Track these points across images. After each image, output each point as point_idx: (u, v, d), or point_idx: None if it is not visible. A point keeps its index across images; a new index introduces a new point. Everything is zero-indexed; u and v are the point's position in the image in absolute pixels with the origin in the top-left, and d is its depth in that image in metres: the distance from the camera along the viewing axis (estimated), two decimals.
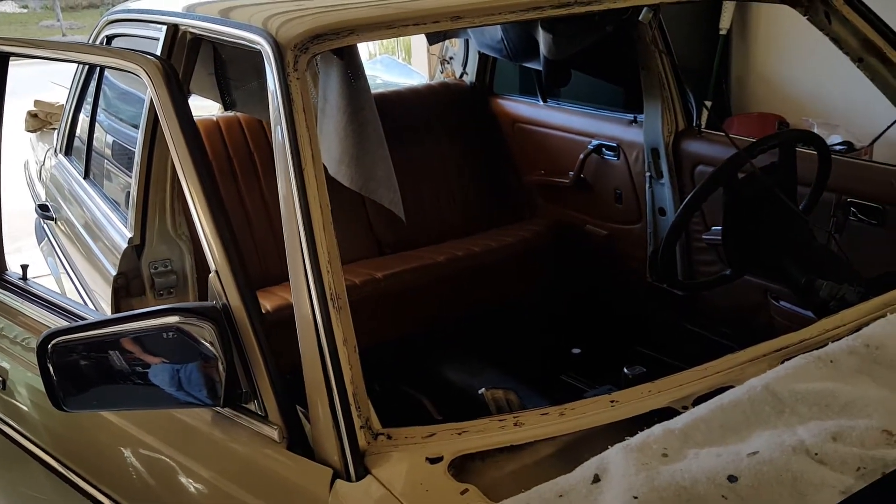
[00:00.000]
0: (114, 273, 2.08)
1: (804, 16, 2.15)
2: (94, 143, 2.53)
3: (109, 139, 2.45)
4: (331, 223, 1.26)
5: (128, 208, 2.11)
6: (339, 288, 1.21)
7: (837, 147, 3.61)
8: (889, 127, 2.21)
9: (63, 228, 2.66)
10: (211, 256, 1.29)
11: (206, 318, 1.19)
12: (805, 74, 4.36)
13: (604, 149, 3.10)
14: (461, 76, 3.72)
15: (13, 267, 1.89)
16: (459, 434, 1.11)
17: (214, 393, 1.17)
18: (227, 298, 1.24)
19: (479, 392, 1.49)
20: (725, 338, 2.77)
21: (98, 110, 2.53)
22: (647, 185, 2.93)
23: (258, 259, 2.87)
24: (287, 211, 1.26)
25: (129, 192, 2.15)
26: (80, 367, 1.16)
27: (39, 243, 3.21)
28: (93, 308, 2.19)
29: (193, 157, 1.36)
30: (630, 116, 3.02)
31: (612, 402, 1.14)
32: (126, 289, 2.07)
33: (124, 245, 2.07)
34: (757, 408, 1.03)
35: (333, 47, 1.43)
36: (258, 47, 1.45)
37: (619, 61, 2.88)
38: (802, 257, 1.97)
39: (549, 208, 3.43)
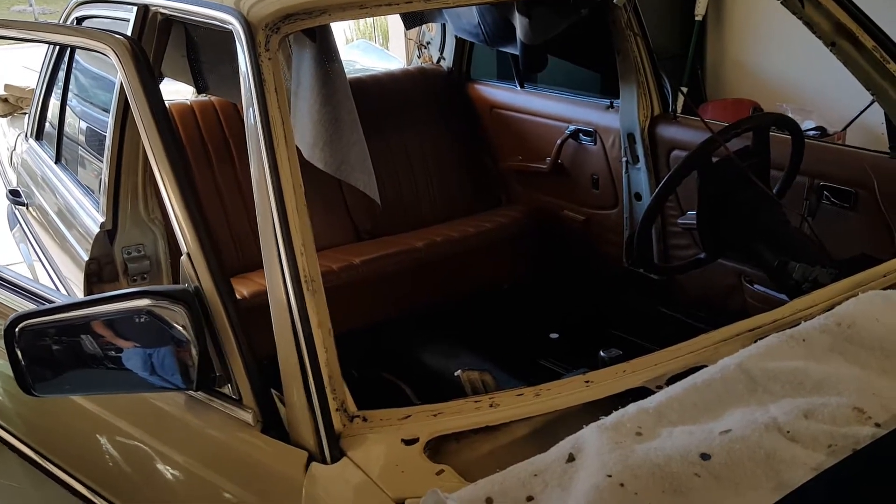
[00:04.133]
0: (86, 258, 2.05)
1: None
2: (66, 127, 2.49)
3: (81, 123, 2.41)
4: (304, 205, 1.25)
5: (100, 193, 2.08)
6: (314, 271, 1.20)
7: (811, 132, 3.65)
8: (862, 112, 2.24)
9: (35, 214, 2.62)
10: (182, 239, 1.28)
11: (178, 301, 1.17)
12: (779, 61, 4.39)
13: (580, 134, 3.10)
14: (438, 61, 3.70)
15: None
16: (435, 416, 1.11)
17: (188, 377, 1.16)
18: (199, 281, 1.22)
19: (455, 374, 1.49)
20: (701, 321, 2.79)
21: (69, 94, 2.49)
22: (624, 171, 2.94)
23: (234, 245, 2.84)
24: (260, 193, 1.24)
25: (100, 177, 2.12)
26: (50, 351, 1.14)
27: (11, 229, 3.16)
28: (65, 294, 2.16)
29: (164, 139, 1.34)
30: (606, 101, 3.02)
31: (586, 381, 1.15)
32: (98, 274, 2.04)
33: (97, 230, 2.04)
34: (730, 386, 1.03)
35: (305, 27, 1.41)
36: (229, 27, 1.43)
37: (595, 46, 2.88)
38: (775, 240, 1.98)
39: (527, 194, 3.43)
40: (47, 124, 2.76)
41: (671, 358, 1.20)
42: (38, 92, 2.82)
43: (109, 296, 1.19)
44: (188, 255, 1.24)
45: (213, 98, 2.79)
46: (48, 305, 1.20)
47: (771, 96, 4.44)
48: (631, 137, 2.88)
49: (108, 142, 1.99)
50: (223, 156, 2.86)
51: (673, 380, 1.13)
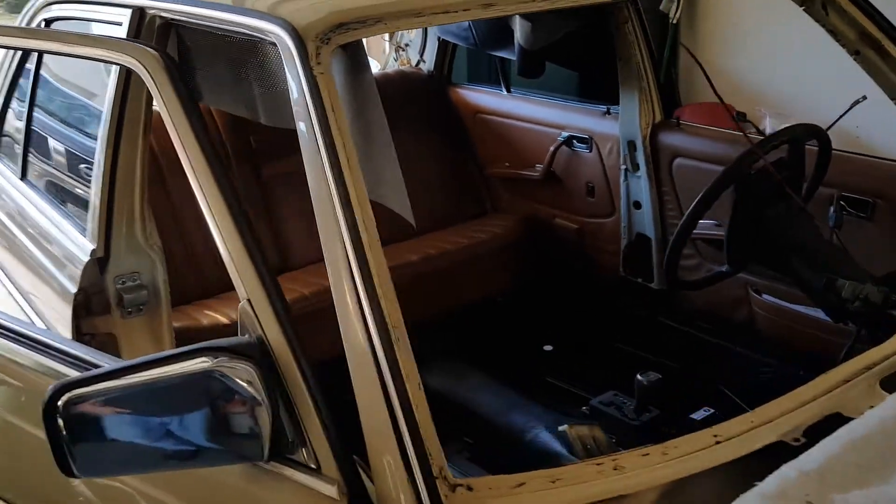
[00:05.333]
0: (71, 288, 1.84)
1: (801, 6, 2.10)
2: (33, 141, 2.24)
3: (54, 137, 2.18)
4: (378, 241, 1.10)
5: (83, 215, 1.87)
6: (396, 316, 1.05)
7: None
8: (842, 116, 2.19)
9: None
10: (240, 281, 1.11)
11: (243, 356, 1.01)
12: (754, 64, 4.38)
13: (575, 141, 3.01)
14: (417, 64, 3.55)
15: None
16: (553, 482, 0.98)
17: (258, 445, 1.00)
18: (263, 331, 1.06)
19: (561, 429, 1.36)
20: (704, 332, 2.74)
21: (35, 103, 2.24)
22: (623, 179, 2.85)
23: (195, 271, 2.63)
24: (328, 229, 1.09)
25: (83, 198, 1.90)
26: (97, 426, 0.96)
27: None
28: (43, 326, 1.93)
29: (210, 163, 1.17)
30: (603, 108, 2.94)
31: (715, 436, 1.04)
32: (86, 306, 1.83)
33: (81, 256, 1.83)
34: (893, 443, 0.94)
35: (359, 37, 1.26)
36: (270, 38, 1.26)
37: (595, 51, 2.79)
38: (813, 255, 1.92)
39: (515, 202, 3.32)
40: (5, 137, 2.50)
41: (797, 405, 1.10)
42: None
43: (164, 356, 1.01)
44: (248, 300, 1.08)
45: None
46: (93, 372, 1.02)
47: (746, 100, 4.42)
48: (631, 145, 2.80)
49: (98, 160, 1.78)
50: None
51: (811, 431, 1.04)
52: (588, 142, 2.97)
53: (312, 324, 2.56)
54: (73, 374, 1.21)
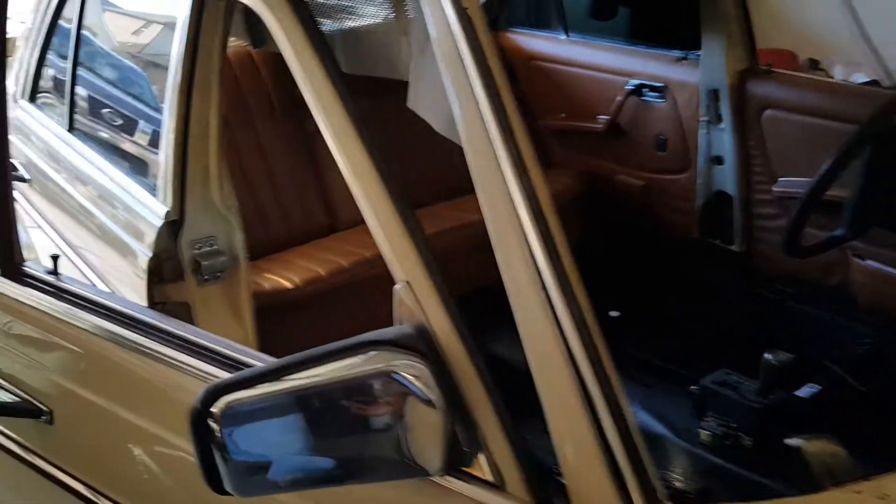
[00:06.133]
0: (141, 252, 1.67)
1: None
2: (79, 88, 2.04)
3: (107, 85, 1.98)
4: (557, 219, 0.92)
5: (151, 174, 1.69)
6: (587, 307, 0.88)
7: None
8: None
9: (45, 193, 2.18)
10: (396, 261, 0.94)
11: (411, 350, 0.85)
12: (820, 11, 4.13)
13: (646, 90, 2.80)
14: None
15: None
16: None
17: (435, 455, 0.84)
18: (428, 320, 0.89)
19: (793, 442, 1.20)
20: (791, 299, 2.58)
21: (80, 48, 2.03)
22: (703, 131, 2.66)
23: (261, 226, 2.48)
24: (495, 202, 0.91)
25: (149, 154, 1.72)
26: (255, 435, 0.80)
27: None
28: (132, 302, 1.73)
29: (358, 129, 0.99)
30: (678, 53, 2.73)
31: None
32: (159, 273, 1.66)
33: (152, 219, 1.65)
34: None
35: None
36: None
37: None
38: None
39: (571, 157, 3.12)
40: (46, 83, 2.29)
41: None
42: (30, 42, 2.34)
43: (324, 353, 0.85)
44: (407, 283, 0.91)
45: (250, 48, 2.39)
46: (248, 373, 0.85)
47: (814, 49, 4.19)
48: (714, 94, 2.60)
49: (168, 112, 1.59)
50: (265, 113, 2.51)
51: None
52: (662, 90, 2.77)
53: (370, 292, 2.42)
54: (201, 366, 1.05)
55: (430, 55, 1.46)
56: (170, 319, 1.21)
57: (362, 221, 2.82)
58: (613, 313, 2.78)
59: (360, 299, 2.38)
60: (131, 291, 1.71)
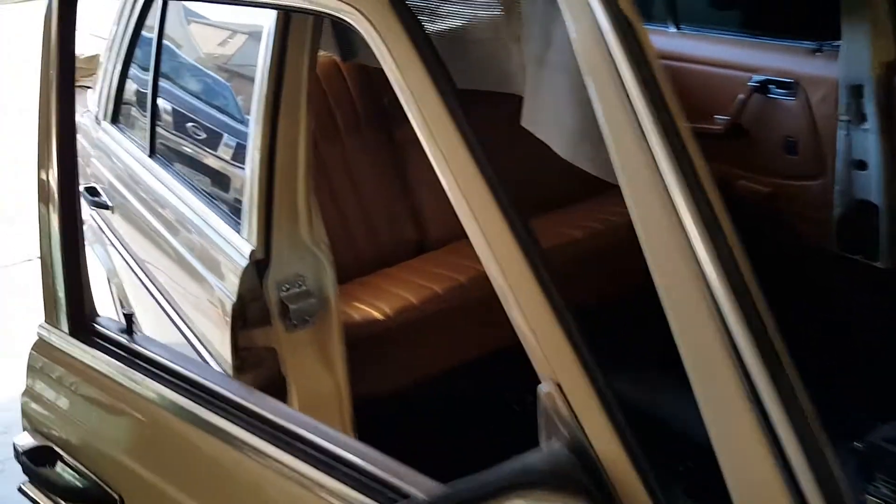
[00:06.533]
0: (224, 294, 1.52)
1: None
2: (160, 111, 1.92)
3: (188, 109, 1.84)
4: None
5: (234, 206, 1.54)
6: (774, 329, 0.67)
7: None
8: None
9: (125, 222, 2.07)
10: (542, 353, 0.73)
11: (570, 490, 0.63)
12: None
13: (773, 86, 2.50)
14: None
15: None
16: None
17: None
18: (591, 444, 0.67)
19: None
20: None
21: (162, 67, 1.90)
22: (843, 132, 2.34)
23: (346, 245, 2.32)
24: (658, 212, 0.70)
25: (233, 185, 1.57)
26: None
27: None
28: (215, 372, 1.58)
29: (474, 153, 0.80)
30: (812, 45, 2.41)
31: None
32: (242, 316, 1.51)
33: (236, 258, 1.50)
34: None
35: None
36: None
37: None
38: None
39: None
40: (128, 105, 2.19)
41: None
42: (110, 62, 2.24)
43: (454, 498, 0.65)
44: (558, 386, 0.70)
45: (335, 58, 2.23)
46: None
47: None
48: (856, 90, 2.28)
49: (253, 142, 1.43)
50: (352, 126, 2.35)
51: None
52: (792, 87, 2.46)
53: (465, 320, 2.23)
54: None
55: (553, 65, 1.25)
56: (259, 397, 1.04)
57: (453, 239, 2.60)
58: None
59: (454, 328, 2.19)
60: (213, 332, 1.56)
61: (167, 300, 1.83)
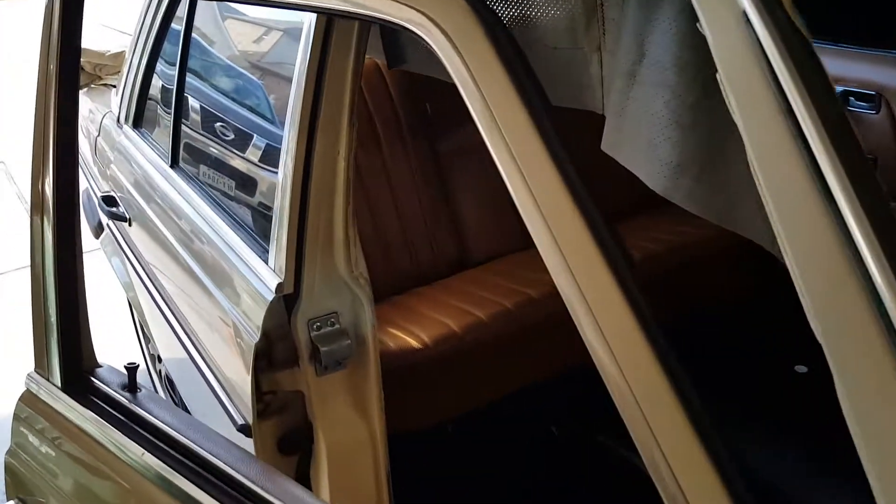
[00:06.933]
0: (246, 329, 1.34)
1: None
2: (185, 117, 1.74)
3: (215, 115, 1.66)
4: None
5: (263, 232, 1.36)
6: None
7: None
8: None
9: (143, 236, 1.90)
10: (645, 422, 0.55)
11: None
12: None
13: (852, 98, 2.28)
14: None
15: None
16: None
17: None
18: None
19: None
20: None
21: (189, 67, 1.73)
22: None
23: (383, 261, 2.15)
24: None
25: (262, 209, 1.39)
26: None
27: (97, 236, 2.46)
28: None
29: (566, 176, 0.63)
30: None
31: None
32: (268, 356, 1.33)
33: (262, 291, 1.32)
34: None
35: None
36: None
37: None
38: None
39: None
40: (152, 109, 2.02)
41: None
42: (132, 62, 2.07)
43: None
44: (664, 458, 0.52)
45: (380, 62, 2.04)
46: None
47: None
48: None
49: (285, 158, 1.25)
50: (393, 135, 2.19)
51: None
52: (874, 100, 2.23)
53: (510, 351, 2.04)
54: None
55: (648, 82, 1.05)
56: (280, 486, 0.85)
57: (495, 256, 2.39)
58: (800, 368, 2.32)
59: (499, 360, 2.00)
60: (232, 370, 1.38)
61: (184, 329, 1.65)
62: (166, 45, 1.92)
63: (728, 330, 2.42)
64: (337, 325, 1.30)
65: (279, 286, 1.27)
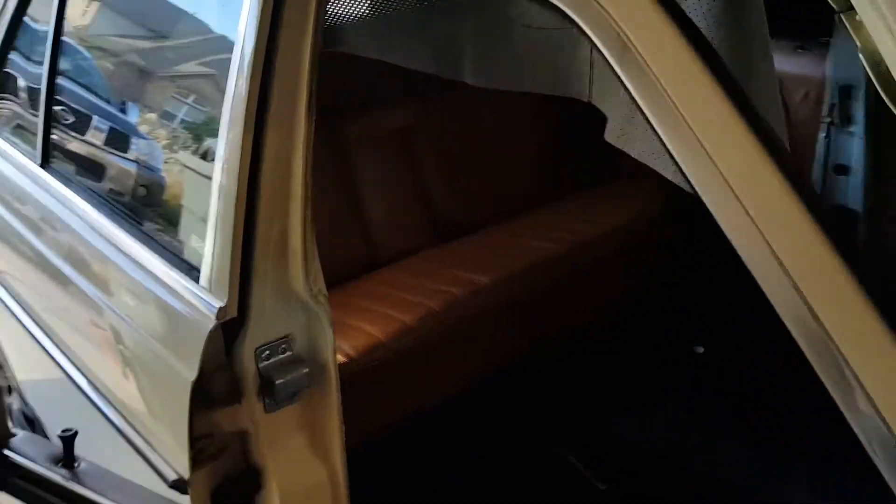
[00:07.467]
0: (174, 364, 1.11)
1: None
2: (57, 109, 1.43)
3: (102, 102, 1.38)
4: None
5: (191, 244, 1.13)
6: None
7: None
8: None
9: (14, 257, 1.56)
10: None
11: None
12: None
13: None
14: None
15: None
16: None
17: None
18: None
19: None
20: None
21: (59, 52, 1.42)
22: (823, 134, 2.20)
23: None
24: None
25: (186, 213, 1.15)
26: None
27: None
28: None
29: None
30: (791, 42, 2.25)
31: None
32: (204, 393, 1.10)
33: (187, 313, 1.09)
34: None
35: None
36: None
37: None
38: None
39: (642, 165, 2.61)
40: (6, 101, 1.67)
41: None
42: None
43: None
44: None
45: None
46: None
47: None
48: (846, 91, 2.12)
49: (225, 153, 1.03)
50: None
51: None
52: None
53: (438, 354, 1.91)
54: None
55: None
56: None
57: (406, 254, 2.26)
58: (698, 349, 2.39)
59: (428, 367, 1.87)
60: (160, 415, 1.14)
61: (86, 378, 1.33)
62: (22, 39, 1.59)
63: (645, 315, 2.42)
64: (289, 352, 1.10)
65: (221, 311, 1.04)
